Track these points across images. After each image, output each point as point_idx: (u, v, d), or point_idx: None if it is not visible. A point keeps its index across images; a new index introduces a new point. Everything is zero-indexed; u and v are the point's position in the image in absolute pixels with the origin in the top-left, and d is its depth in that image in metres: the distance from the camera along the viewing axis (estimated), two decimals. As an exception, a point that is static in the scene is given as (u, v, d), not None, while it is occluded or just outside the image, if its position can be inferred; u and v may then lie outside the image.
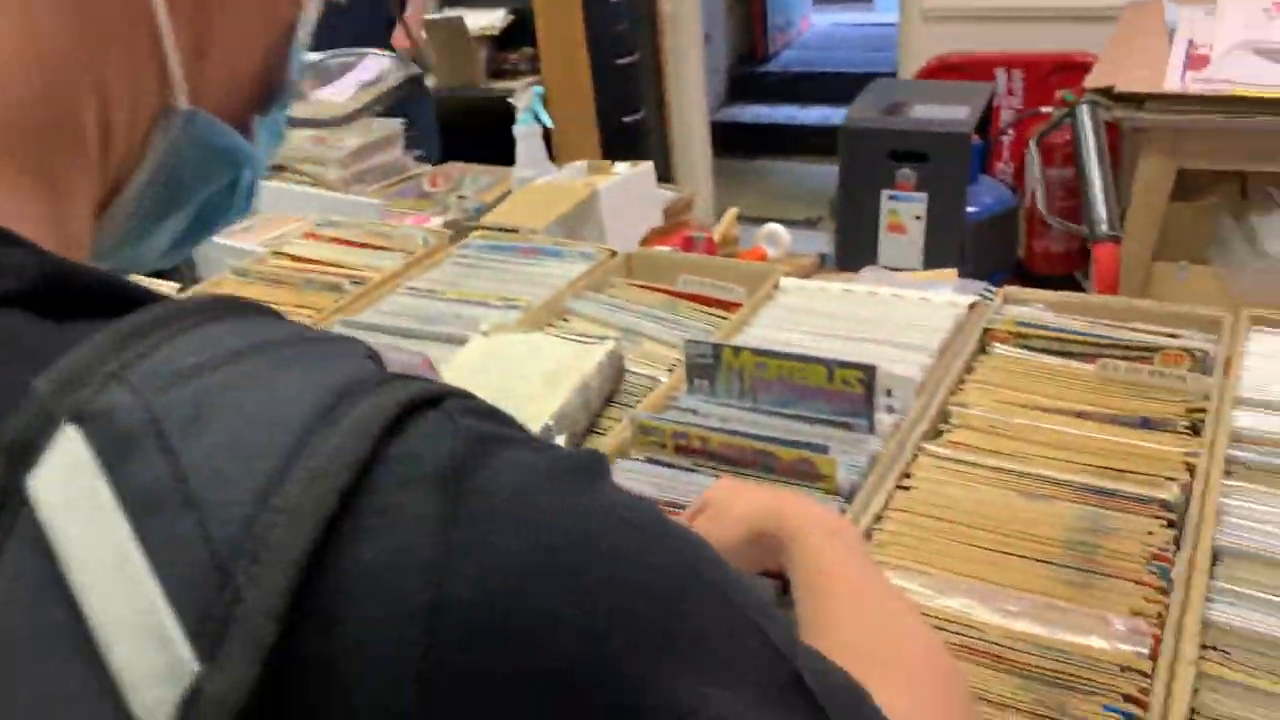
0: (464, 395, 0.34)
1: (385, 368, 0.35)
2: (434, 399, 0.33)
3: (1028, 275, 3.51)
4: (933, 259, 3.08)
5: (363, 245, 1.58)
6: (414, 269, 1.48)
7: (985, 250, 3.14)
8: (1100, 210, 1.32)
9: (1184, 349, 1.06)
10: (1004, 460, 0.95)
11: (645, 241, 1.87)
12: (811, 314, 1.23)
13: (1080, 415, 1.01)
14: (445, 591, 0.29)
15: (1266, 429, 0.96)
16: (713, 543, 0.76)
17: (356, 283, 1.46)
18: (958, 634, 0.77)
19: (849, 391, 1.00)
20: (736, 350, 1.04)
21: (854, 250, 3.18)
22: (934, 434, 1.02)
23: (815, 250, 3.81)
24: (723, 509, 0.77)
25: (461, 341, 1.20)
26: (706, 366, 1.06)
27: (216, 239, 1.91)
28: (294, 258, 1.56)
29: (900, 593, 0.71)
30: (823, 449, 0.92)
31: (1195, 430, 0.98)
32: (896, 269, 3.07)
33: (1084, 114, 1.36)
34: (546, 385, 1.05)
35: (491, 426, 0.33)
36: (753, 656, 0.35)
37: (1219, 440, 0.94)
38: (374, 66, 2.18)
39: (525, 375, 1.08)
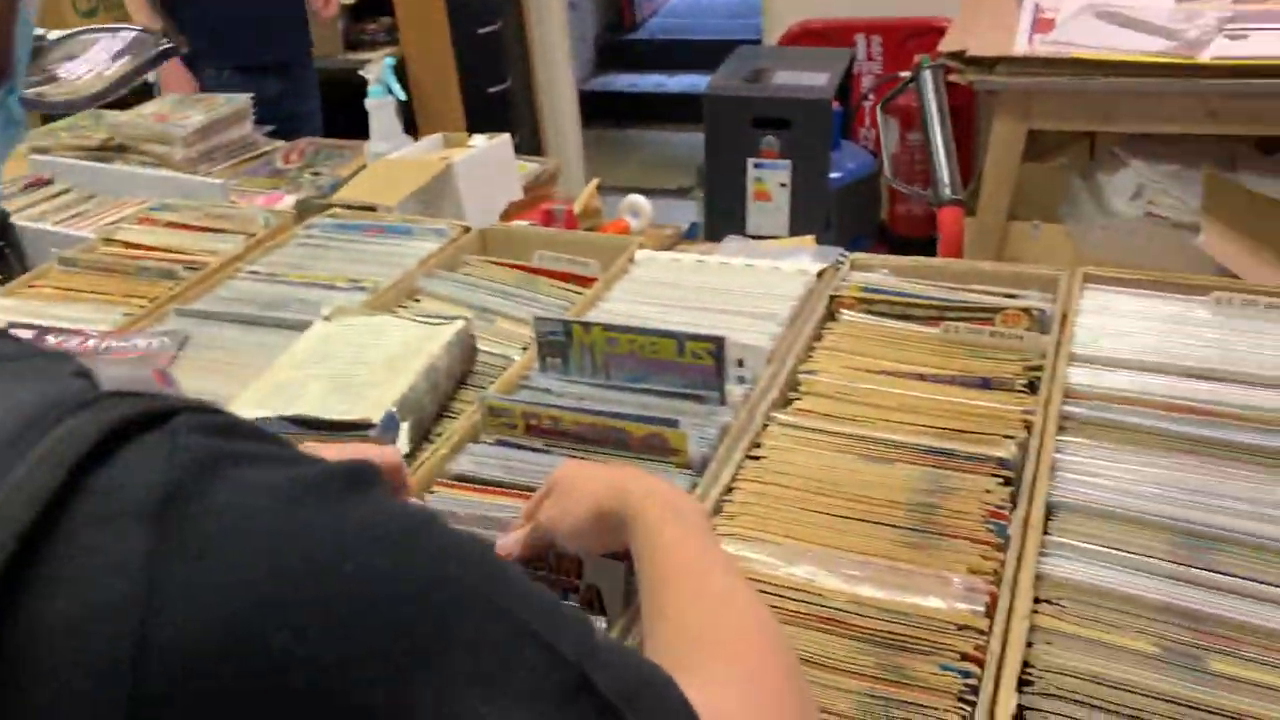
0: (199, 410, 0.31)
1: (100, 385, 0.32)
2: (154, 418, 0.30)
3: (892, 239, 3.60)
4: (799, 226, 3.12)
5: (201, 229, 1.50)
6: (255, 252, 1.42)
7: (850, 215, 3.20)
8: (943, 174, 1.34)
9: (1022, 309, 1.09)
10: (850, 426, 0.96)
11: (505, 216, 1.83)
12: (666, 286, 1.22)
13: (923, 378, 1.03)
14: (150, 638, 0.27)
15: (1097, 384, 0.99)
16: (559, 525, 0.75)
17: (193, 268, 1.39)
18: (803, 602, 0.77)
19: (699, 364, 1.00)
20: (587, 326, 1.03)
21: (723, 219, 3.19)
22: (784, 402, 1.02)
23: (687, 220, 3.84)
24: (567, 491, 0.76)
25: (304, 327, 1.15)
26: (558, 344, 1.05)
27: (45, 225, 1.80)
28: (126, 244, 1.47)
29: (737, 571, 0.71)
30: (673, 423, 0.91)
31: (1033, 388, 1.01)
32: (763, 237, 3.11)
33: (927, 78, 1.38)
34: (390, 370, 1.02)
35: (224, 444, 0.31)
36: (530, 665, 0.33)
37: (1054, 397, 0.97)
38: (120, 43, 2.06)
39: (368, 360, 1.04)
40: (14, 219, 1.84)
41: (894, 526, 0.84)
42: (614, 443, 0.94)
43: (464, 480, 0.93)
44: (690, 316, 1.15)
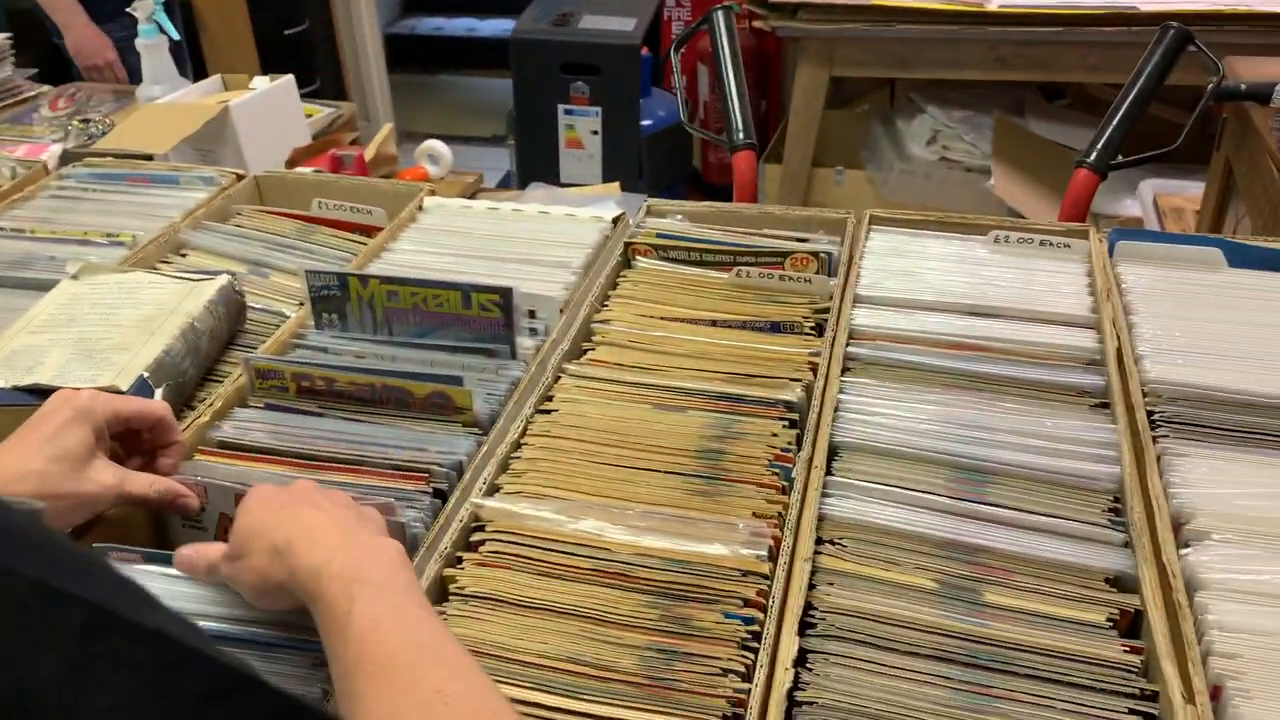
0: None
1: None
2: None
3: (704, 186, 3.62)
4: (612, 173, 3.09)
5: (-64, 180, 1.34)
6: (0, 205, 1.28)
7: (662, 163, 3.19)
8: (736, 118, 1.33)
9: (811, 253, 1.09)
10: (642, 375, 0.94)
11: (291, 163, 1.73)
12: (456, 235, 1.17)
13: (715, 324, 1.02)
14: None
15: (881, 325, 1.00)
16: (239, 584, 0.66)
17: (-75, 225, 1.24)
18: (588, 558, 0.75)
19: (488, 316, 0.95)
20: (364, 279, 0.96)
21: (535, 166, 3.13)
22: (577, 353, 0.99)
23: (501, 169, 3.75)
24: (239, 545, 0.66)
25: (50, 288, 1.04)
26: (333, 299, 0.98)
27: None
28: None
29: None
30: (457, 380, 0.87)
31: (820, 331, 1.01)
32: (576, 184, 3.06)
33: (719, 19, 1.37)
34: (144, 332, 0.93)
35: None
36: None
37: (838, 339, 0.98)
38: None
39: (117, 323, 0.95)
40: None
41: (683, 475, 0.83)
42: (395, 403, 0.89)
43: (228, 447, 0.86)
44: (482, 266, 1.10)
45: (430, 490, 0.81)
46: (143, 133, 1.64)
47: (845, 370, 0.95)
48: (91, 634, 0.38)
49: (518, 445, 0.87)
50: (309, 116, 2.01)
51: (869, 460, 0.85)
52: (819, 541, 0.78)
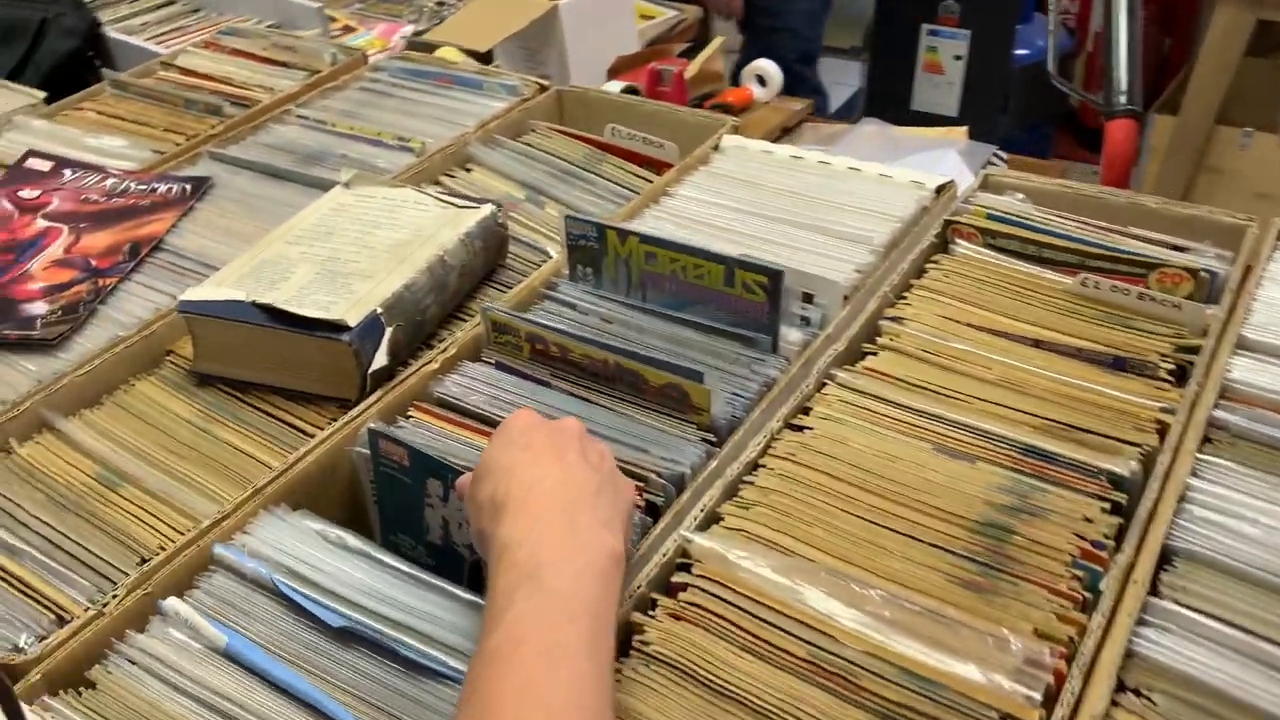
0: None
1: None
2: None
3: (1081, 131, 3.18)
4: (972, 105, 2.77)
5: (264, 60, 1.36)
6: (311, 93, 1.27)
7: (1033, 99, 2.82)
8: (1120, 74, 1.06)
9: (1187, 268, 0.84)
10: (928, 400, 0.76)
11: (613, 71, 1.63)
12: (747, 185, 1.01)
13: (1040, 344, 0.81)
14: None
15: (1267, 384, 0.75)
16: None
17: (243, 105, 1.25)
18: (806, 643, 0.60)
19: (750, 299, 0.80)
20: (623, 235, 0.84)
21: (886, 89, 2.88)
22: (853, 356, 0.82)
23: (850, 85, 3.50)
24: (477, 475, 0.61)
25: (330, 188, 1.00)
26: (590, 250, 0.87)
27: (134, 40, 1.70)
28: (183, 71, 1.35)
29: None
30: (696, 376, 0.73)
31: (1182, 378, 0.77)
32: (926, 115, 2.78)
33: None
34: (392, 259, 0.86)
35: None
36: None
37: (1205, 396, 0.74)
38: None
39: (370, 245, 0.89)
40: (113, 29, 1.75)
41: (952, 553, 0.65)
42: (627, 385, 0.77)
43: (445, 406, 0.78)
44: (765, 229, 0.95)
45: (644, 502, 0.69)
46: (471, 25, 1.60)
47: (1206, 442, 0.71)
48: None
49: (754, 466, 0.72)
50: (649, 19, 1.91)
51: (1214, 582, 0.63)
52: (1119, 689, 0.58)
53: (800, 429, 0.75)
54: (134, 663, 0.62)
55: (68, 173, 1.08)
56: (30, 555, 0.70)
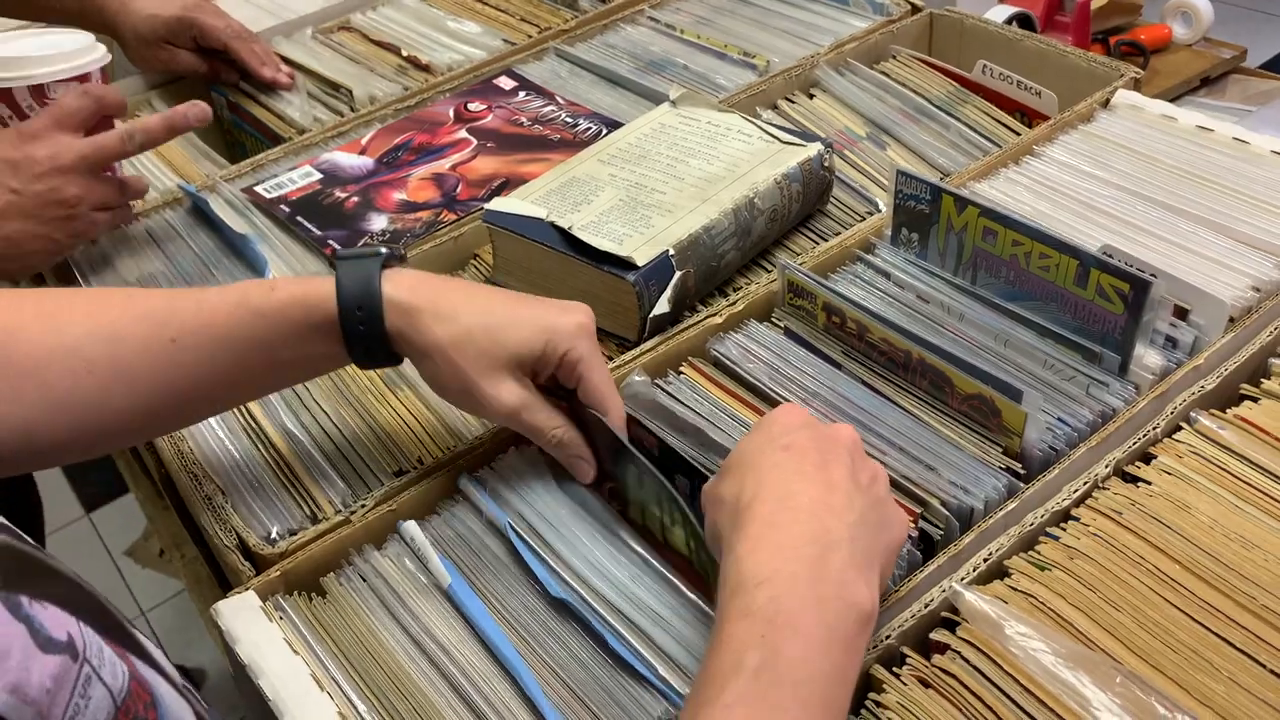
0: None
1: None
2: None
3: None
4: None
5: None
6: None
7: None
8: None
9: None
10: (1316, 478, 0.59)
11: (1008, -8, 1.43)
12: (1133, 157, 0.84)
13: None
14: None
15: None
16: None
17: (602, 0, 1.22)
18: (1075, 760, 0.48)
19: (1105, 307, 0.66)
20: (961, 203, 0.72)
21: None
22: (1227, 398, 0.66)
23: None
24: (726, 466, 0.54)
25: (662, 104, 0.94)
26: (919, 214, 0.75)
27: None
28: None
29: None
30: (1015, 393, 0.61)
31: None
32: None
33: None
34: (698, 195, 0.79)
35: None
36: None
37: None
38: None
39: (680, 175, 0.82)
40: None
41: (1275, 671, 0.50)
42: (931, 384, 0.66)
43: (720, 368, 0.72)
44: (1145, 215, 0.78)
45: (917, 532, 0.59)
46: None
47: None
48: None
49: (1064, 517, 0.60)
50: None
51: None
52: None
53: (1135, 480, 0.61)
54: (364, 579, 0.62)
55: (523, 94, 1.05)
56: (303, 445, 0.72)
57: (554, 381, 0.63)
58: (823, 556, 0.48)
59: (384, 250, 0.63)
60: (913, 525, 0.59)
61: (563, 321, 0.61)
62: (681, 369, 0.72)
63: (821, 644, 0.45)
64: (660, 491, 0.58)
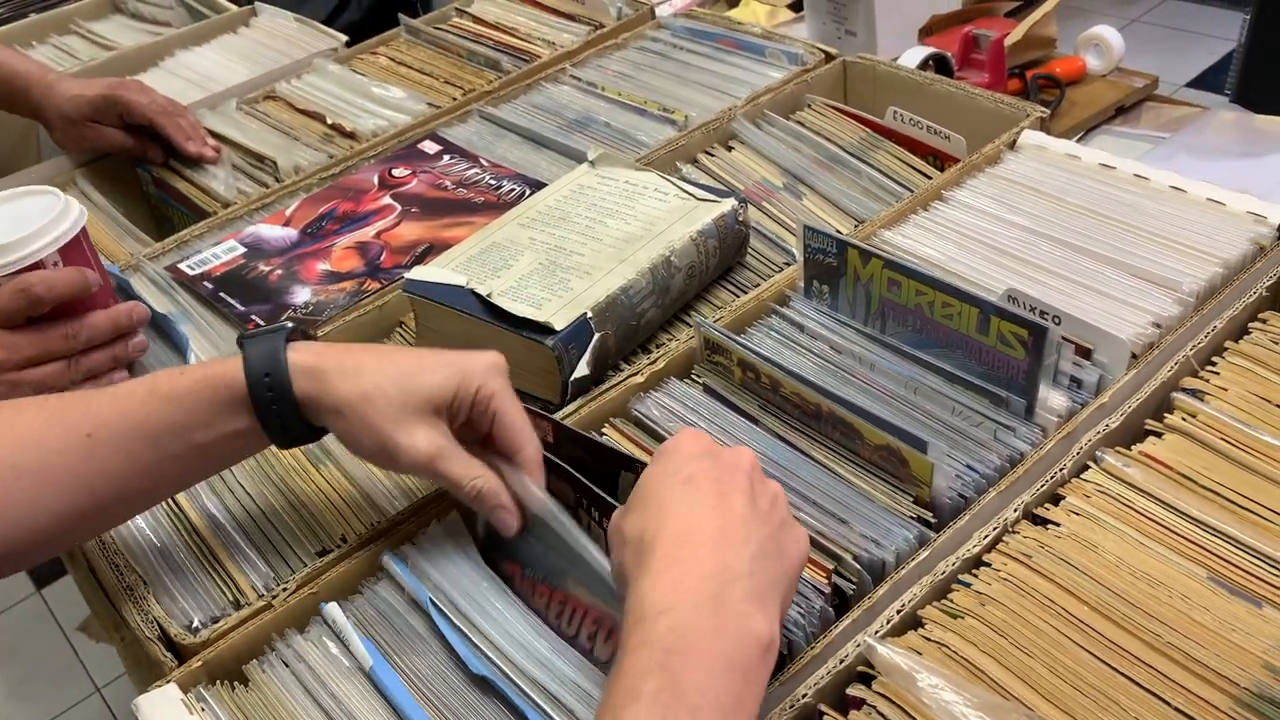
0: None
1: None
2: None
3: None
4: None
5: (554, 12, 1.33)
6: (590, 50, 1.23)
7: None
8: None
9: None
10: (1216, 508, 0.61)
11: (925, 31, 1.47)
12: (1039, 197, 0.86)
13: (1389, 458, 0.63)
14: None
15: None
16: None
17: (524, 59, 1.23)
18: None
19: (1006, 353, 0.67)
20: (865, 256, 0.73)
21: (1273, 52, 2.45)
22: (1130, 436, 0.68)
23: (1230, 38, 3.05)
24: (630, 503, 0.55)
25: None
26: (827, 267, 0.77)
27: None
28: (475, 19, 1.35)
29: None
30: (920, 444, 0.62)
31: None
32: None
33: None
34: (615, 256, 0.81)
35: None
36: None
37: None
38: None
39: (598, 236, 0.83)
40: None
41: (1206, 727, 0.51)
42: (841, 436, 0.67)
43: (641, 428, 0.72)
44: (1049, 255, 0.80)
45: (830, 587, 0.60)
46: (774, -23, 1.49)
47: None
48: None
49: (976, 563, 0.61)
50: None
51: None
52: None
53: (1044, 523, 0.62)
54: (286, 665, 0.61)
55: (447, 158, 1.06)
56: (224, 527, 0.71)
57: (470, 433, 0.64)
58: (722, 591, 0.49)
59: (289, 325, 0.63)
60: (825, 580, 0.60)
61: (474, 361, 0.62)
62: (604, 431, 0.73)
63: (720, 672, 0.46)
64: (569, 553, 0.59)
